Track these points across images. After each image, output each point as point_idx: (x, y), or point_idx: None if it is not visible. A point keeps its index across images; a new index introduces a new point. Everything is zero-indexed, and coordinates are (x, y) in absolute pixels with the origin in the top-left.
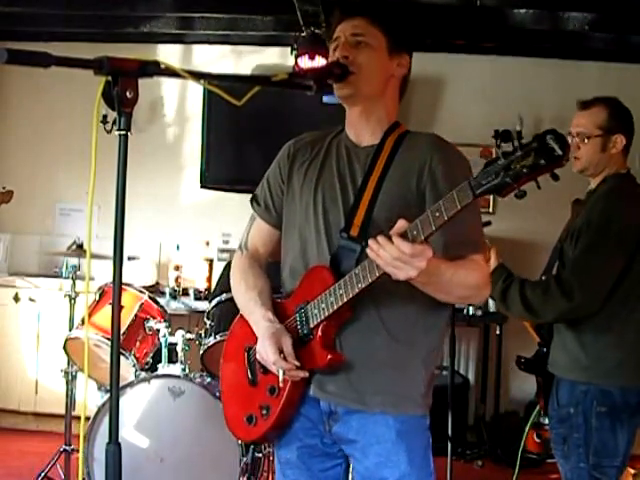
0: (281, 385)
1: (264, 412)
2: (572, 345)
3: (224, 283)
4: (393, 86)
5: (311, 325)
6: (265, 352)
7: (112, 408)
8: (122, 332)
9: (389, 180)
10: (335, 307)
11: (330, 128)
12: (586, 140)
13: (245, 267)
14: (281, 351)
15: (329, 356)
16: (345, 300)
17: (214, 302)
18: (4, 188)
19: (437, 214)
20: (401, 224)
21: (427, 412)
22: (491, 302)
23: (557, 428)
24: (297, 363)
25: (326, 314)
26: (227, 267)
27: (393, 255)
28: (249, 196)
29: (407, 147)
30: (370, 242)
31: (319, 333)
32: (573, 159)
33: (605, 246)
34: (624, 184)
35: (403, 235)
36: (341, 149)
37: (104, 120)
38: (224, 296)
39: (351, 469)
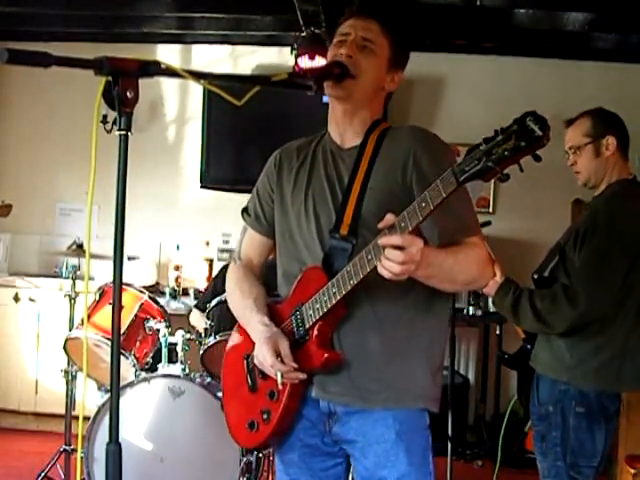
0: (280, 388)
1: (265, 417)
2: (558, 344)
3: (218, 285)
4: (380, 97)
5: (307, 326)
6: (262, 356)
7: (112, 408)
8: (122, 332)
9: (375, 176)
10: (329, 305)
11: (314, 134)
12: (578, 151)
13: (239, 276)
14: (278, 354)
15: (325, 355)
16: (338, 298)
17: (214, 302)
18: (3, 202)
19: (423, 204)
20: (389, 217)
21: (428, 406)
22: (491, 302)
23: (537, 425)
24: (295, 365)
25: (320, 313)
26: (223, 269)
27: (399, 260)
28: (249, 196)
29: (390, 142)
30: (379, 267)
31: (315, 333)
32: (575, 174)
33: (610, 251)
34: (629, 189)
35: (391, 228)
36: (327, 153)
37: (104, 120)
38: (224, 296)
39: (352, 468)
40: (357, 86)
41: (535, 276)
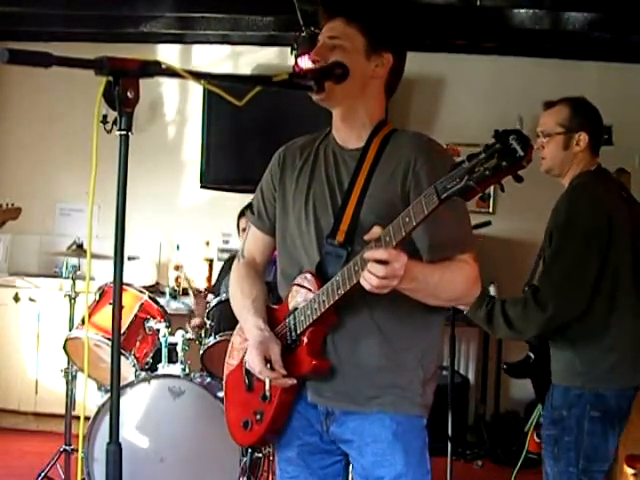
0: (267, 393)
1: (258, 417)
2: (566, 352)
3: (223, 279)
4: (374, 87)
5: (298, 331)
6: (252, 361)
7: (112, 408)
8: (122, 332)
9: (375, 183)
10: (318, 313)
11: (319, 131)
12: (548, 138)
13: (242, 275)
14: (268, 360)
15: (314, 362)
16: (327, 306)
17: (214, 302)
18: (12, 204)
19: (407, 219)
20: (375, 230)
21: (425, 412)
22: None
23: (549, 429)
24: (283, 372)
25: (310, 320)
26: (227, 261)
27: (379, 274)
28: (249, 196)
29: (392, 149)
30: (361, 278)
31: (305, 339)
32: (540, 159)
33: (573, 248)
34: (589, 180)
35: (377, 241)
36: (329, 153)
37: (104, 120)
38: (224, 296)
39: (351, 467)
40: (337, 87)
41: (526, 288)
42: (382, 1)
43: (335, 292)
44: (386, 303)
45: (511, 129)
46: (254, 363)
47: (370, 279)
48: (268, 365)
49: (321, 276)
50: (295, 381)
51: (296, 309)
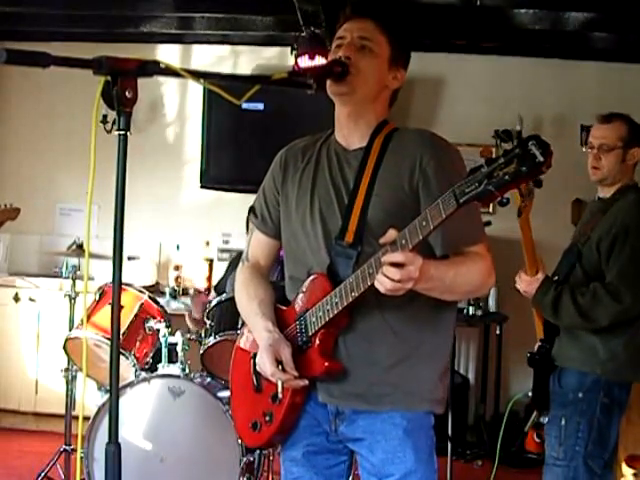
0: (280, 396)
1: (267, 419)
2: (590, 340)
3: (228, 277)
4: (384, 96)
5: (309, 333)
6: (263, 364)
7: (112, 408)
8: (122, 332)
9: (380, 182)
10: (331, 315)
11: (320, 133)
12: (609, 151)
13: (246, 278)
14: (280, 362)
15: (326, 364)
16: (340, 308)
17: (214, 302)
18: (11, 205)
19: (424, 223)
20: (390, 233)
21: (435, 408)
22: (491, 302)
23: (557, 410)
24: (295, 373)
25: (323, 322)
26: (232, 261)
27: (394, 278)
28: (249, 196)
29: (396, 145)
30: (375, 281)
31: (317, 341)
32: (591, 169)
33: None
34: None
35: (392, 244)
36: (331, 155)
37: (104, 120)
38: (224, 296)
39: (356, 465)
40: (358, 83)
41: (556, 277)
42: (403, 20)
43: (349, 294)
44: (398, 304)
45: (531, 134)
46: (265, 366)
47: (384, 282)
48: (280, 367)
49: (332, 277)
50: (307, 382)
51: (307, 311)
